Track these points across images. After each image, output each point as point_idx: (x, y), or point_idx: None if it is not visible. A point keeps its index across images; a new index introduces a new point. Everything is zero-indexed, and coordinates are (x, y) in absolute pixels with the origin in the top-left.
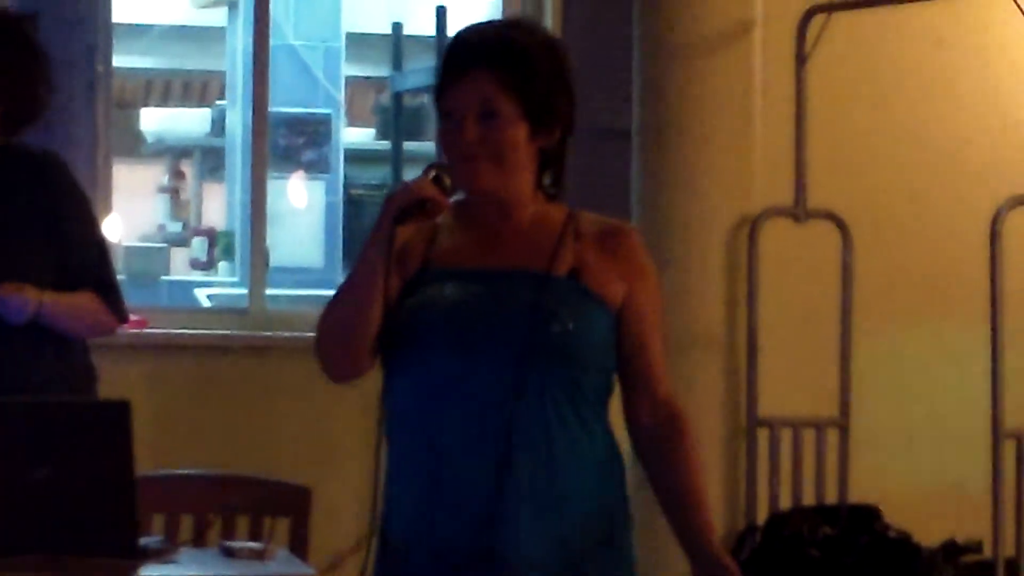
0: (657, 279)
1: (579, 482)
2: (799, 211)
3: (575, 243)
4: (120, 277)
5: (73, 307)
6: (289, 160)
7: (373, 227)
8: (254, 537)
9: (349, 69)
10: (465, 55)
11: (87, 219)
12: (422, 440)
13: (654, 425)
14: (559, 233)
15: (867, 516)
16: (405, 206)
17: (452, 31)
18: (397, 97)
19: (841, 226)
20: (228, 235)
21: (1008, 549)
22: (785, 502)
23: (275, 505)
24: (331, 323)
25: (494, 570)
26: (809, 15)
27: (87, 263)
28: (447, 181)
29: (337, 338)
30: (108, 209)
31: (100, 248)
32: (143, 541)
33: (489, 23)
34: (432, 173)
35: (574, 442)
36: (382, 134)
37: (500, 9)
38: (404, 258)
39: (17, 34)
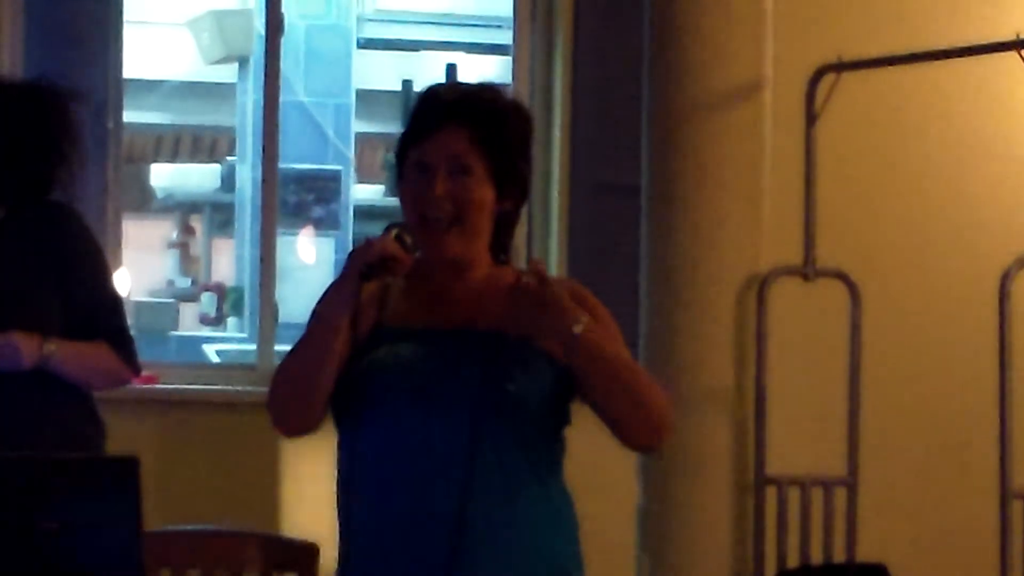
0: (608, 314)
1: (536, 539)
2: (808, 270)
3: None
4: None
5: (84, 355)
6: (298, 216)
7: (333, 284)
8: None
9: (359, 126)
10: (441, 110)
11: (99, 271)
12: (376, 500)
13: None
14: (505, 295)
15: (875, 574)
16: (371, 262)
17: None
18: None
19: (850, 285)
20: (237, 291)
21: None
22: (793, 560)
23: (282, 561)
24: (286, 378)
25: None
26: (819, 75)
27: (99, 315)
28: (408, 240)
29: (291, 393)
30: (118, 264)
31: (112, 300)
32: None
33: (460, 83)
34: (394, 232)
35: (531, 499)
36: (391, 190)
37: (510, 66)
38: (356, 318)
39: (60, 111)
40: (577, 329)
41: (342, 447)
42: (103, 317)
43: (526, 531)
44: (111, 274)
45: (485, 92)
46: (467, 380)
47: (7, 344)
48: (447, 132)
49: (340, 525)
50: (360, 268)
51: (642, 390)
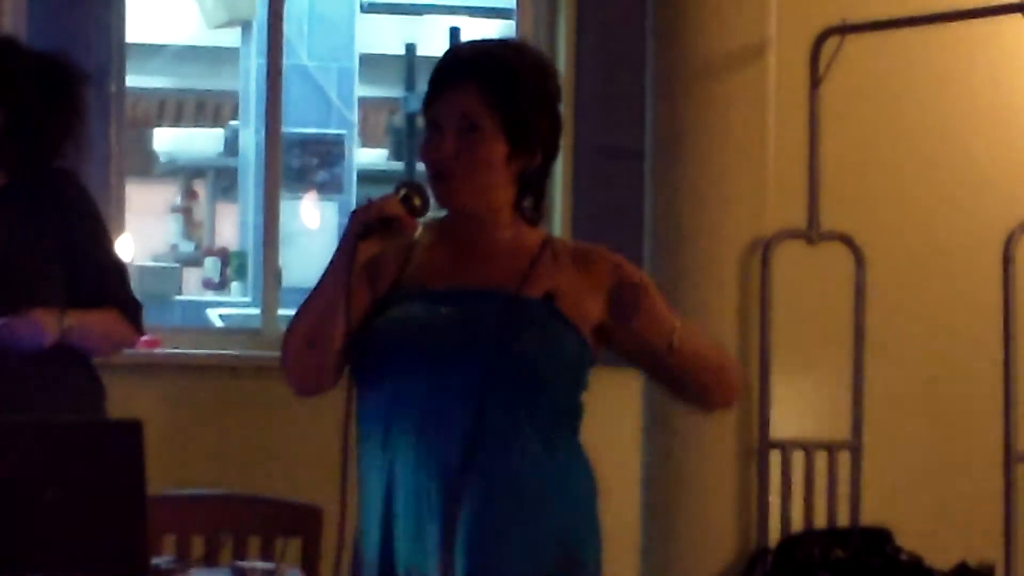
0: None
1: (541, 505)
2: (812, 233)
3: (551, 265)
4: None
5: (99, 326)
6: (302, 180)
7: (338, 242)
8: (266, 557)
9: (362, 90)
10: (453, 68)
11: (102, 237)
12: (385, 461)
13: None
14: (535, 255)
15: (879, 539)
16: (368, 222)
17: None
18: (410, 118)
19: (854, 248)
20: (241, 255)
21: (1020, 572)
22: (797, 524)
23: (287, 525)
24: (293, 337)
25: None
26: (823, 38)
27: (106, 282)
28: (416, 201)
29: (298, 351)
30: (121, 229)
31: (118, 266)
32: (154, 561)
33: (484, 41)
34: (401, 192)
35: (537, 464)
36: (395, 154)
37: (514, 30)
38: (376, 275)
39: (74, 88)
40: (675, 341)
41: (359, 404)
42: (112, 284)
43: (532, 495)
44: (113, 240)
45: (499, 47)
46: (476, 341)
47: (29, 323)
48: (457, 89)
49: (359, 483)
50: (357, 229)
51: (726, 369)
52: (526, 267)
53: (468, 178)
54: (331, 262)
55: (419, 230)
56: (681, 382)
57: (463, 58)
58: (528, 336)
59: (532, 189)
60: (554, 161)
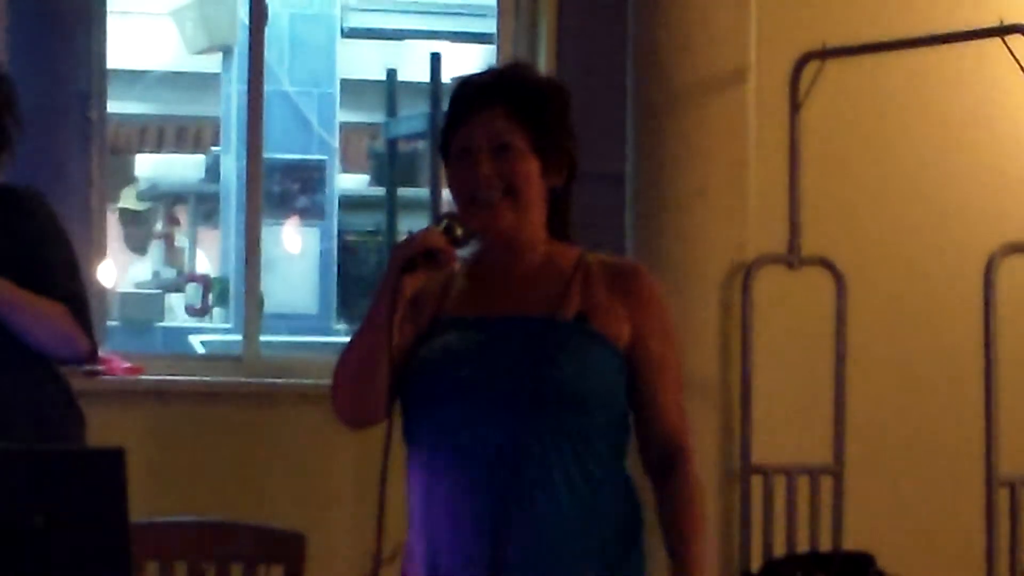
0: (667, 313)
1: (581, 534)
2: (793, 258)
3: (584, 284)
4: (113, 323)
5: (36, 304)
6: (283, 206)
7: (382, 277)
8: None
9: (343, 115)
10: (476, 94)
11: (59, 243)
12: (426, 492)
13: (657, 459)
14: (569, 275)
15: (861, 563)
16: (411, 255)
17: (446, 77)
18: (391, 143)
19: (835, 273)
20: (222, 281)
21: None
22: (779, 549)
23: (269, 552)
24: (341, 371)
25: None
26: (803, 62)
27: (56, 280)
28: (458, 231)
29: (346, 386)
30: (103, 255)
31: (69, 264)
32: None
33: (494, 67)
34: (444, 223)
35: (576, 491)
36: (376, 180)
37: (495, 56)
38: (419, 308)
39: (3, 92)
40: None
41: (405, 435)
42: (59, 279)
43: (572, 524)
44: (72, 249)
45: (517, 69)
46: (511, 369)
47: None
48: (485, 113)
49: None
50: (400, 263)
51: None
52: (559, 289)
53: (509, 199)
54: (375, 298)
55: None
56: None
57: (484, 84)
58: (563, 358)
59: (559, 207)
60: (575, 179)
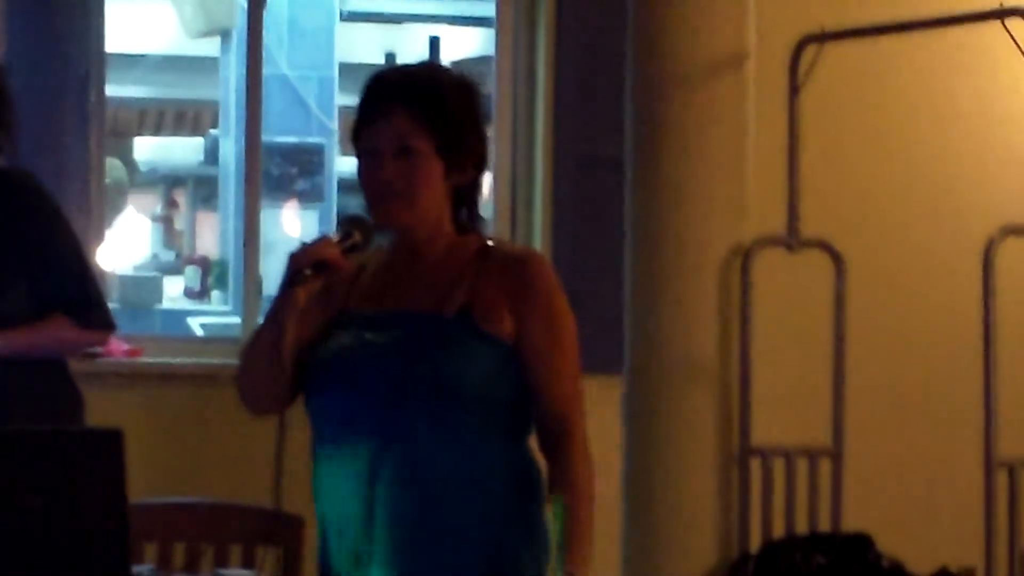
0: (555, 301)
1: (453, 515)
2: (792, 240)
3: (477, 277)
4: (112, 305)
5: (35, 338)
6: (282, 189)
7: (280, 284)
8: (247, 565)
9: (342, 99)
10: (382, 95)
11: (61, 235)
12: (317, 480)
13: (546, 441)
14: (463, 269)
15: (860, 545)
16: (300, 268)
17: (445, 61)
18: None
19: (834, 255)
20: (221, 264)
21: None
22: (778, 531)
23: (268, 533)
24: (242, 365)
25: None
26: (802, 45)
27: (61, 281)
28: (357, 235)
29: (246, 380)
30: (101, 238)
31: (77, 263)
32: (135, 570)
33: (407, 66)
34: (342, 230)
35: (448, 479)
36: None
37: (493, 40)
38: (330, 296)
39: None
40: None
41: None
42: (65, 286)
43: (441, 508)
44: (75, 238)
45: (424, 71)
46: (384, 363)
47: None
48: (389, 116)
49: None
50: (289, 276)
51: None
52: (449, 283)
53: (408, 198)
54: (271, 305)
55: (369, 256)
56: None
57: (390, 84)
58: (435, 352)
59: (466, 201)
60: (483, 174)
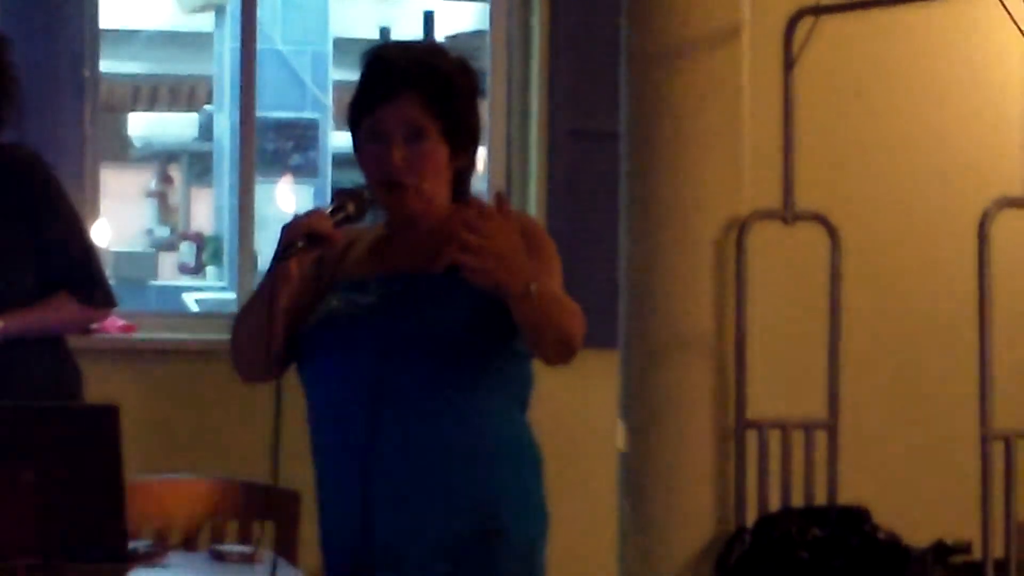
0: (550, 252)
1: (446, 474)
2: (787, 213)
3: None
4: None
5: (40, 318)
6: (277, 164)
7: (272, 256)
8: (243, 541)
9: (337, 73)
10: (393, 77)
11: (65, 214)
12: (313, 445)
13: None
14: (450, 233)
15: (856, 518)
16: (292, 240)
17: (440, 35)
18: None
19: (829, 228)
20: (216, 239)
21: (997, 550)
22: (774, 504)
23: (264, 509)
24: (235, 336)
25: (375, 570)
26: (796, 19)
27: (66, 260)
28: (350, 207)
29: (238, 348)
30: (96, 214)
31: (80, 242)
32: (132, 545)
33: (409, 45)
34: (336, 202)
35: (440, 435)
36: None
37: (487, 14)
38: (323, 266)
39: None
40: (533, 288)
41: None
42: (70, 264)
43: (436, 466)
44: (78, 217)
45: (433, 55)
46: (372, 323)
47: None
48: (400, 99)
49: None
50: (280, 249)
51: (568, 331)
52: (437, 246)
53: (421, 186)
54: (264, 277)
55: (363, 229)
56: (539, 330)
57: (400, 67)
58: (423, 308)
59: (462, 181)
60: (477, 151)
